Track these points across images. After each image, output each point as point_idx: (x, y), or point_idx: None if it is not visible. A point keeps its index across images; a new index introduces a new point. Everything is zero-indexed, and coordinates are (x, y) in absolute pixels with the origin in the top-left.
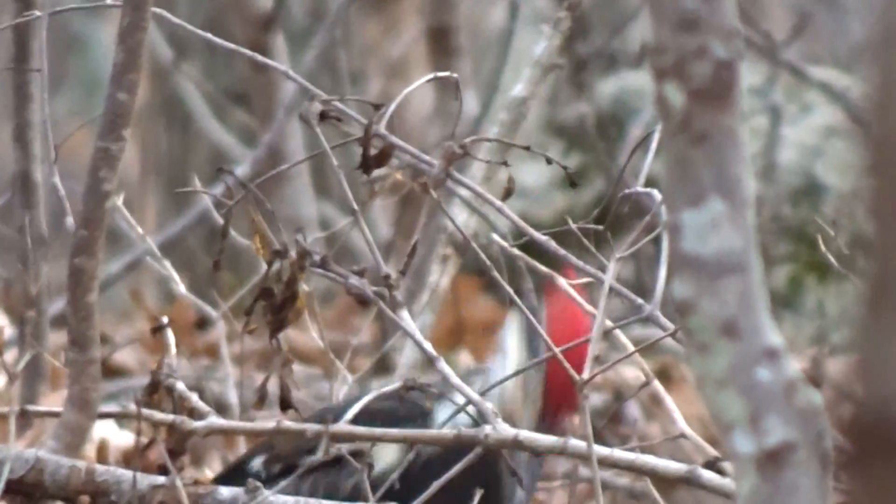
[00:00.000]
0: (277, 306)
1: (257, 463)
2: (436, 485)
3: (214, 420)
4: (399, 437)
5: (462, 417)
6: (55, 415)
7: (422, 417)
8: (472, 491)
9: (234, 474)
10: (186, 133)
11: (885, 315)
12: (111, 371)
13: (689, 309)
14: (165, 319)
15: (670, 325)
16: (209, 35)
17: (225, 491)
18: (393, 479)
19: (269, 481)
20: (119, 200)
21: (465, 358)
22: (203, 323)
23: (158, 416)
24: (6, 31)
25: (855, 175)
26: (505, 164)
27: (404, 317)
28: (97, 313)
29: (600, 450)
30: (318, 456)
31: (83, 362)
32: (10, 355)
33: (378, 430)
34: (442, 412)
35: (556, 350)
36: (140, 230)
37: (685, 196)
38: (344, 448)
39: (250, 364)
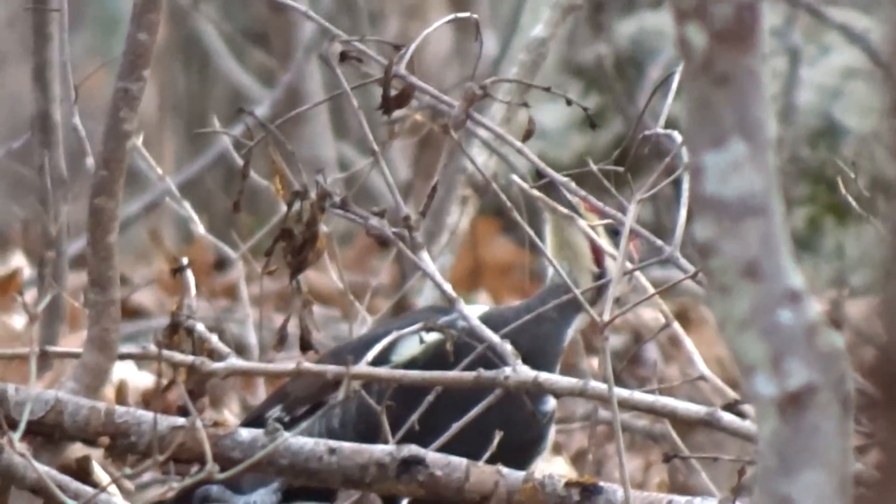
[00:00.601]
0: (297, 247)
1: (276, 411)
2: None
3: (234, 361)
4: (418, 378)
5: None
6: (75, 356)
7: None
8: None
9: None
10: (205, 73)
11: None
12: (130, 312)
13: (711, 251)
14: (185, 260)
15: (690, 267)
16: None
17: (244, 432)
18: (412, 420)
19: (291, 425)
20: (138, 141)
21: (483, 299)
22: (222, 264)
23: (178, 357)
24: None
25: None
26: (524, 105)
27: (424, 258)
28: (116, 254)
29: (620, 392)
30: (339, 396)
31: (103, 303)
32: (29, 296)
33: (398, 372)
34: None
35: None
36: (159, 170)
37: (707, 138)
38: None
39: (269, 305)
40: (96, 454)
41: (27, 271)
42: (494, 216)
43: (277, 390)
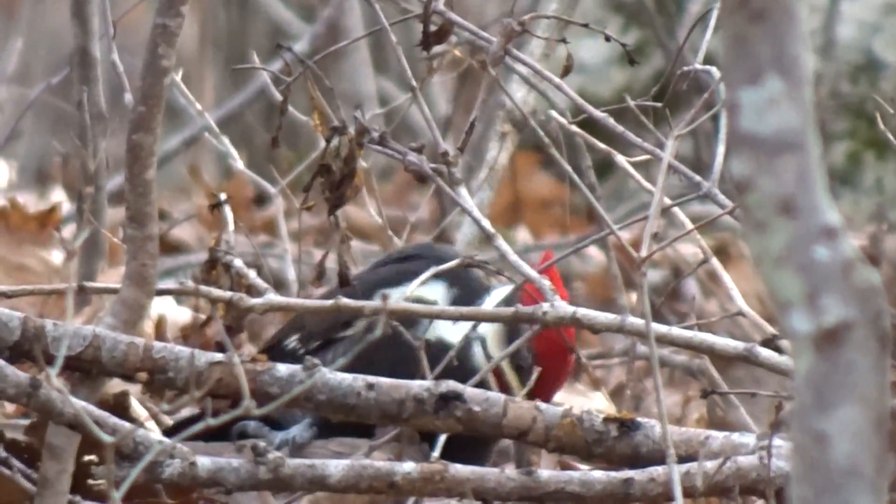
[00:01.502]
0: (336, 183)
1: (293, 341)
2: (494, 361)
3: (272, 297)
4: (456, 314)
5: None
6: (113, 291)
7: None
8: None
9: (271, 354)
10: (244, 8)
11: None
12: (169, 247)
13: (748, 187)
14: (223, 195)
15: (728, 203)
16: None
17: (283, 368)
18: (451, 356)
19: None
20: (177, 76)
21: (522, 234)
22: (261, 199)
23: (216, 292)
24: None
25: None
26: (563, 41)
27: (462, 193)
28: (155, 189)
29: (658, 327)
30: (377, 332)
31: (141, 238)
32: (68, 231)
33: (435, 308)
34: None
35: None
36: (198, 106)
37: (743, 74)
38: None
39: (308, 240)
40: (134, 390)
41: (66, 206)
42: (533, 151)
43: (293, 319)
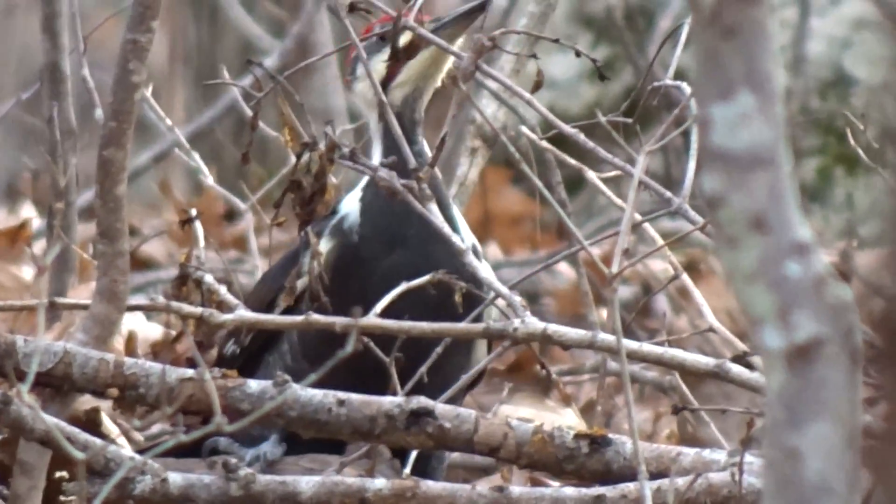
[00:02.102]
0: (306, 198)
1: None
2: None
3: (243, 313)
4: (428, 329)
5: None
6: (84, 307)
7: None
8: None
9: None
10: (215, 24)
11: None
12: (140, 263)
13: (719, 202)
14: (194, 211)
15: (699, 219)
16: None
17: (253, 384)
18: (421, 372)
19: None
20: (148, 92)
21: (493, 250)
22: (231, 215)
23: (187, 308)
24: None
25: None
26: (533, 56)
27: (432, 209)
28: (126, 205)
29: (629, 343)
30: (347, 349)
31: (112, 254)
32: (38, 247)
33: (406, 324)
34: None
35: None
36: (169, 121)
37: (715, 89)
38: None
39: (278, 256)
40: (105, 406)
41: (36, 222)
42: (504, 167)
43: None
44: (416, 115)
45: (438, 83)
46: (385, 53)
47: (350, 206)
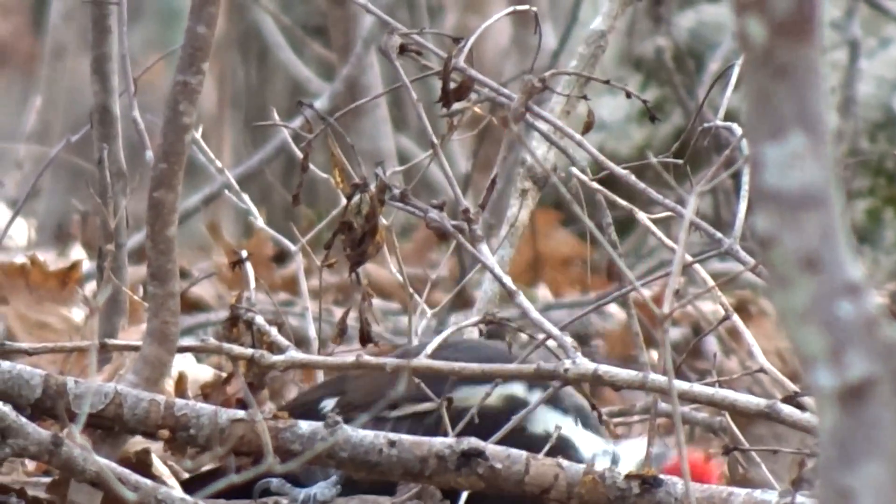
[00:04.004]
0: (356, 240)
1: (329, 404)
2: (515, 418)
3: (293, 354)
4: (478, 371)
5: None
6: (135, 348)
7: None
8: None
9: (302, 414)
10: (264, 66)
11: None
12: (190, 305)
13: (771, 242)
14: (244, 253)
15: (749, 259)
16: None
17: (304, 425)
18: (472, 413)
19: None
20: (198, 134)
21: (543, 292)
22: (281, 257)
23: (238, 349)
24: None
25: None
26: (584, 97)
27: (483, 250)
28: (176, 247)
29: (680, 384)
30: (399, 391)
31: (162, 296)
32: (89, 289)
33: (457, 365)
34: None
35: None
36: (218, 163)
37: (766, 130)
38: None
39: (329, 298)
40: (156, 447)
41: (87, 264)
42: (554, 209)
43: (328, 382)
44: None
45: None
46: None
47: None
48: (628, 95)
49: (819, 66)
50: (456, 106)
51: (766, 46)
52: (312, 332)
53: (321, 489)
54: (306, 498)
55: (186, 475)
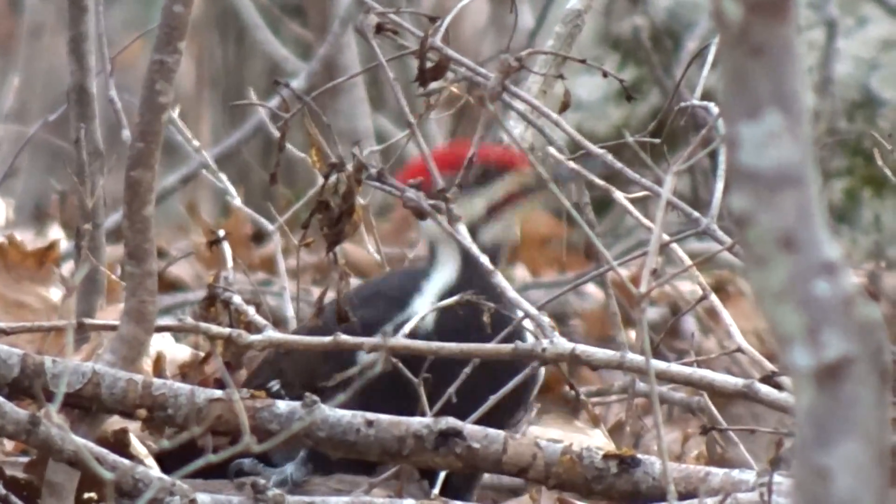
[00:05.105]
0: (334, 219)
1: (275, 385)
2: (493, 398)
3: (272, 333)
4: (456, 350)
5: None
6: (112, 328)
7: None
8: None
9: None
10: (242, 46)
11: None
12: (167, 284)
13: (747, 222)
14: (222, 233)
15: (727, 239)
16: None
17: (282, 405)
18: (450, 393)
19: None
20: (175, 113)
21: (521, 272)
22: (259, 236)
23: (215, 329)
24: None
25: None
26: (561, 77)
27: (460, 230)
28: (153, 226)
29: (657, 364)
30: (376, 369)
31: (140, 275)
32: (66, 269)
33: (435, 344)
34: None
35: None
36: (196, 143)
37: (742, 109)
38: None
39: (306, 277)
40: (134, 426)
41: (64, 244)
42: None
43: (268, 361)
44: (497, 258)
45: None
46: (482, 195)
47: (422, 307)
48: (605, 75)
49: (795, 44)
50: (433, 85)
51: (741, 25)
52: (290, 311)
53: (294, 468)
54: (284, 478)
55: None
